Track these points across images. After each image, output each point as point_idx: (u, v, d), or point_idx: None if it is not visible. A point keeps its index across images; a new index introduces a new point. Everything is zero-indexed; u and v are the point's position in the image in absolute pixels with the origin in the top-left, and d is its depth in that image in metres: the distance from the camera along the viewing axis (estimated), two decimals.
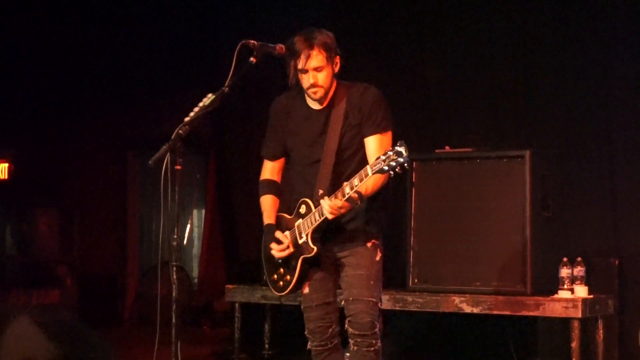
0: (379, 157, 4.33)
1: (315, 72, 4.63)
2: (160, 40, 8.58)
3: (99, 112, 8.90)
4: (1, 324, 2.05)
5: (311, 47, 4.60)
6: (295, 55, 4.63)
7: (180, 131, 4.30)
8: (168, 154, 4.26)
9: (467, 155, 6.50)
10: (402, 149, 4.28)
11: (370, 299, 4.69)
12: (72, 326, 2.07)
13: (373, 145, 4.67)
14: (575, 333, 5.93)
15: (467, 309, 6.17)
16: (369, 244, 4.72)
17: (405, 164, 4.29)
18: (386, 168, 4.30)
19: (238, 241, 8.10)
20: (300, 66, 4.63)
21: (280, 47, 4.65)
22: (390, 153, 4.29)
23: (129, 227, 9.11)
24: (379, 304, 4.75)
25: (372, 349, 4.70)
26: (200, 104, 4.41)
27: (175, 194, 4.27)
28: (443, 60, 7.33)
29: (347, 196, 4.46)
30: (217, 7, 8.28)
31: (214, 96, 4.43)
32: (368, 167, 4.37)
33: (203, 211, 8.94)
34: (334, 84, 4.71)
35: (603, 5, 6.74)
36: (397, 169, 4.31)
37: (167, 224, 4.31)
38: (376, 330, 4.71)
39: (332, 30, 4.83)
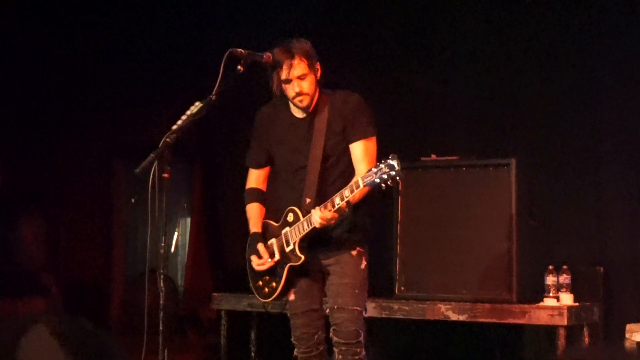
0: (370, 170, 4.37)
1: (300, 80, 4.67)
2: (146, 48, 8.56)
3: (85, 120, 8.87)
4: (18, 333, 2.07)
5: (292, 57, 4.65)
6: (278, 66, 4.67)
7: (167, 139, 4.31)
8: (155, 162, 4.27)
9: (453, 164, 6.52)
10: (394, 162, 4.32)
11: (355, 307, 4.72)
12: (88, 335, 2.09)
13: (359, 151, 4.71)
14: (561, 341, 5.94)
15: (453, 316, 6.19)
16: (354, 252, 4.75)
17: (397, 177, 4.32)
18: (378, 181, 4.34)
19: (224, 249, 8.09)
20: (284, 77, 4.67)
21: (267, 56, 4.69)
22: (382, 165, 4.33)
23: (114, 236, 9.08)
24: (364, 313, 4.77)
25: (357, 357, 4.73)
26: (188, 112, 4.43)
27: (163, 202, 4.28)
28: (430, 69, 7.35)
29: (337, 207, 4.49)
30: (204, 14, 8.28)
31: (201, 104, 4.45)
32: (360, 178, 4.40)
33: (189, 219, 8.93)
34: (315, 92, 4.75)
35: (589, 15, 6.77)
36: (388, 182, 4.34)
37: (154, 232, 4.32)
38: (361, 339, 4.74)
39: (319, 38, 4.86)
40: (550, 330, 6.07)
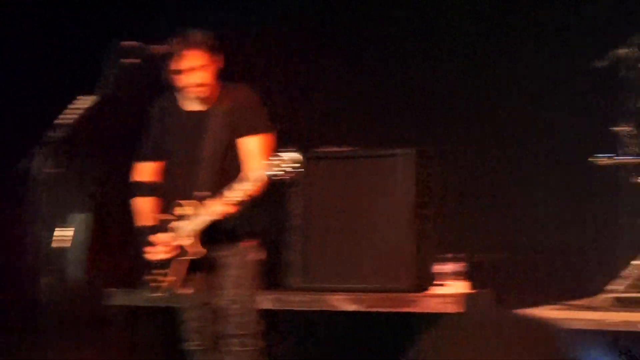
0: (264, 162, 4.40)
1: (190, 72, 4.67)
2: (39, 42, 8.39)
3: None
4: None
5: (185, 48, 4.65)
6: (171, 55, 4.66)
7: (52, 134, 4.27)
8: (40, 157, 4.23)
9: (350, 154, 6.54)
10: (289, 155, 4.36)
11: (246, 299, 4.74)
12: None
13: (249, 146, 4.74)
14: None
15: (350, 307, 6.21)
16: (244, 244, 4.77)
17: (293, 169, 4.35)
18: (272, 174, 4.37)
19: (122, 244, 8.01)
20: (175, 67, 4.67)
21: (158, 48, 4.66)
22: (277, 158, 4.36)
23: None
24: (256, 305, 4.80)
25: (251, 349, 4.75)
26: (73, 106, 4.39)
27: (51, 198, 4.23)
28: (336, 59, 7.35)
29: (230, 200, 4.50)
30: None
31: (88, 98, 4.42)
32: (253, 172, 4.42)
33: (86, 215, 8.83)
34: (211, 85, 4.74)
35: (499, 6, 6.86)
36: (283, 175, 4.37)
37: (45, 228, 4.28)
38: (254, 330, 4.76)
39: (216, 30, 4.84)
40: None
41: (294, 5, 7.35)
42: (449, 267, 6.24)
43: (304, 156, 6.38)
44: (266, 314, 5.13)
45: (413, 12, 7.04)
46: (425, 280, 6.23)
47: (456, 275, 6.23)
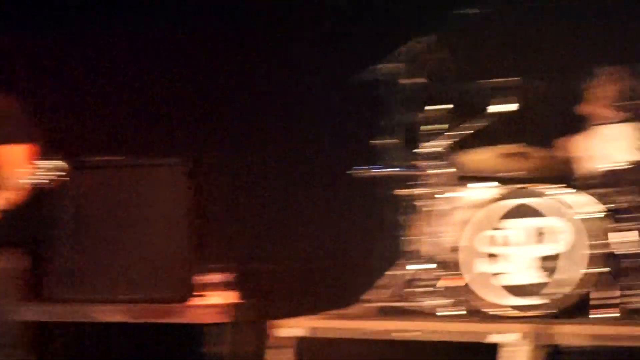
0: (24, 170, 4.32)
1: None
2: None
3: None
4: None
5: None
6: None
7: None
8: None
9: (119, 163, 6.47)
10: (51, 163, 4.28)
11: (3, 309, 4.64)
12: None
13: (8, 154, 4.65)
14: (225, 337, 6.05)
15: (114, 318, 6.14)
16: (3, 253, 4.67)
17: (55, 178, 4.28)
18: (33, 181, 4.29)
19: None
20: None
21: None
22: (37, 166, 4.28)
23: None
24: (14, 316, 4.71)
25: None
26: None
27: None
28: (106, 66, 7.27)
29: None
30: None
31: None
32: (11, 178, 4.34)
33: None
34: None
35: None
36: (45, 183, 4.29)
37: None
38: (13, 341, 4.67)
39: None
40: (220, 328, 6.14)
41: (68, 14, 7.24)
42: (217, 277, 6.28)
43: (70, 164, 6.34)
44: (38, 326, 5.02)
45: (200, 22, 7.08)
46: (192, 291, 6.23)
47: (224, 286, 6.28)
